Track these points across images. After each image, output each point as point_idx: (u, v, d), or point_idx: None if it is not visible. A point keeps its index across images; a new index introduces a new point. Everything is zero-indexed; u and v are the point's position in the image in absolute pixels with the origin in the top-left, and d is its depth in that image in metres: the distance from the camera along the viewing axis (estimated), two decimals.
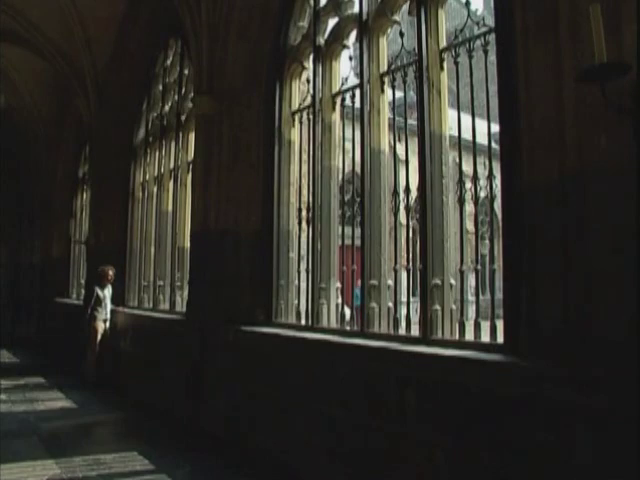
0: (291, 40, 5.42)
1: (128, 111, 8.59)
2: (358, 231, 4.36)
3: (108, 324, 8.14)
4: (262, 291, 5.09)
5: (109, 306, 8.17)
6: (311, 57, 5.13)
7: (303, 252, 4.97)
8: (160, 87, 8.06)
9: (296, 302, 4.99)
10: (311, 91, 5.04)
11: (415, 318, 3.81)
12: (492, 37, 3.45)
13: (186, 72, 7.35)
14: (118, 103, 8.93)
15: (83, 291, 10.45)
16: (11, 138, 13.71)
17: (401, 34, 4.23)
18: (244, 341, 4.99)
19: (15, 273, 14.99)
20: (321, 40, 5.02)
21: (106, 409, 6.72)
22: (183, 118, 7.22)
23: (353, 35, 4.79)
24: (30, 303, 13.66)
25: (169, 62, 7.96)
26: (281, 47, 5.45)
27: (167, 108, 7.79)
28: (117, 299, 8.25)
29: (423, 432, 3.22)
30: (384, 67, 4.40)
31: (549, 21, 2.82)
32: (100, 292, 8.09)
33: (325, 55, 4.96)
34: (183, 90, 7.35)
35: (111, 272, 8.20)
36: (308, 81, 5.14)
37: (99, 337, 8.04)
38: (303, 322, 4.77)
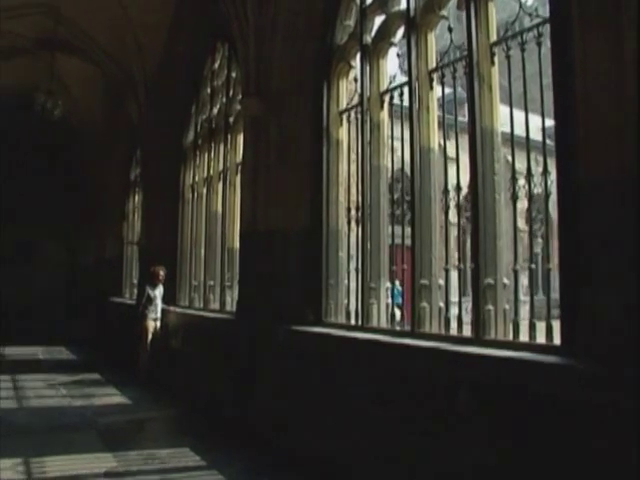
0: (337, 39, 5.41)
1: (177, 114, 8.78)
2: (408, 230, 4.32)
3: (159, 323, 8.35)
4: (312, 291, 5.10)
5: (160, 305, 8.37)
6: (358, 56, 5.11)
7: (352, 251, 4.96)
8: (208, 90, 8.20)
9: (346, 302, 4.98)
10: (359, 90, 5.01)
11: (467, 318, 3.75)
12: (546, 28, 3.34)
13: (233, 75, 7.45)
14: (168, 107, 9.14)
15: (135, 291, 10.77)
16: (67, 142, 14.24)
17: (450, 29, 4.15)
18: (294, 341, 5.01)
19: (72, 273, 15.54)
20: (368, 38, 4.99)
21: (158, 406, 6.90)
22: (231, 120, 7.33)
23: (400, 32, 4.73)
24: (86, 302, 14.14)
25: (217, 65, 8.09)
26: (327, 47, 5.44)
27: (215, 111, 7.92)
28: (168, 299, 8.44)
29: (474, 434, 3.16)
30: (432, 64, 4.33)
31: (610, 8, 2.71)
32: (151, 292, 8.30)
33: (372, 53, 4.92)
34: (231, 92, 7.45)
35: (162, 272, 8.39)
36: (355, 80, 5.12)
37: (150, 336, 8.25)
38: (353, 322, 4.76)
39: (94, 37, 9.79)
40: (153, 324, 8.30)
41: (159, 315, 8.35)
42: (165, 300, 8.42)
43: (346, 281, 5.04)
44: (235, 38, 6.29)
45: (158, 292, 8.38)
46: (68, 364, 10.38)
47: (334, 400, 4.36)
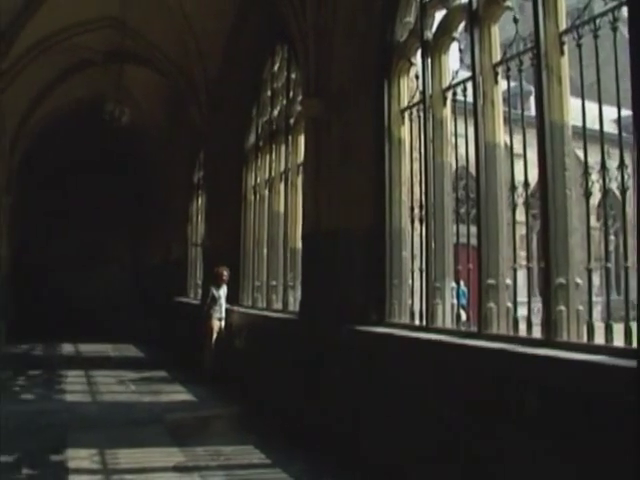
0: (397, 37, 5.34)
1: (239, 117, 8.93)
2: (473, 229, 4.21)
3: (223, 323, 8.52)
4: (375, 291, 5.05)
5: (224, 305, 8.54)
6: (419, 52, 5.02)
7: (416, 251, 4.88)
8: (269, 92, 8.31)
9: (410, 302, 4.90)
10: (420, 87, 4.93)
11: (536, 319, 3.61)
12: (622, 11, 3.16)
13: (293, 76, 7.52)
14: (229, 110, 9.34)
15: (200, 291, 11.04)
16: (133, 148, 14.81)
17: (515, 20, 4.02)
18: (357, 341, 4.99)
19: (138, 273, 16.13)
20: (429, 34, 4.90)
21: (223, 404, 7.05)
22: (292, 121, 7.39)
23: (462, 26, 4.62)
24: (152, 302, 14.64)
25: (276, 67, 8.18)
26: (387, 44, 5.38)
27: (276, 112, 8.01)
28: (232, 299, 8.60)
29: (543, 440, 3.04)
30: (497, 57, 4.20)
31: None
32: (215, 292, 8.49)
33: (433, 49, 4.83)
34: (291, 94, 7.52)
35: (226, 273, 8.56)
36: (417, 77, 5.04)
37: (215, 335, 8.44)
38: (417, 322, 4.68)
39: (158, 46, 10.15)
40: (218, 324, 8.48)
41: (223, 315, 8.52)
42: (229, 300, 8.58)
43: (410, 281, 4.96)
44: (294, 39, 6.34)
45: (222, 292, 8.56)
46: (136, 361, 10.78)
47: (398, 400, 4.31)
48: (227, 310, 8.54)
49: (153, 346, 12.76)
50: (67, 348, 12.59)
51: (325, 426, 5.31)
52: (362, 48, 5.56)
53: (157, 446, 5.14)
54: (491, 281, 4.03)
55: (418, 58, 5.06)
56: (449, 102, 4.72)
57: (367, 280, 5.16)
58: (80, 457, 4.74)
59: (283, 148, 7.63)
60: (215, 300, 8.46)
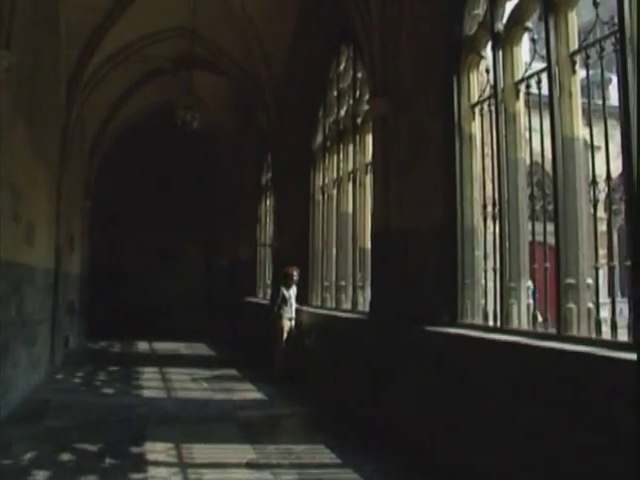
0: (466, 30, 5.20)
1: (305, 119, 9.00)
2: (549, 226, 4.03)
3: (293, 323, 8.60)
4: (446, 291, 4.94)
5: (294, 305, 8.61)
6: (489, 45, 4.87)
7: (489, 250, 4.74)
8: (335, 93, 8.32)
9: (483, 302, 4.76)
10: (491, 81, 4.78)
11: (621, 321, 3.41)
12: None
13: (359, 75, 7.49)
14: (295, 112, 9.42)
15: (269, 291, 11.20)
16: (203, 152, 15.23)
17: (595, 4, 3.81)
18: (428, 342, 4.90)
19: (209, 274, 16.56)
20: (499, 26, 4.73)
21: (293, 402, 7.10)
22: (359, 121, 7.37)
23: (536, 15, 4.44)
24: (222, 302, 15.00)
25: (342, 67, 8.18)
26: (456, 39, 5.25)
27: (342, 112, 8.00)
28: (301, 299, 8.67)
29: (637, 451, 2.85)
30: (574, 45, 4.01)
31: None
32: (286, 292, 8.58)
33: (505, 41, 4.66)
34: (357, 93, 7.50)
35: (295, 273, 8.63)
36: (487, 71, 4.90)
37: (285, 335, 8.52)
38: (491, 323, 4.54)
39: (225, 51, 10.40)
40: (288, 323, 8.56)
41: (294, 315, 8.60)
42: (298, 300, 8.66)
43: (483, 281, 4.83)
44: (359, 38, 6.31)
45: (292, 292, 8.64)
46: (208, 360, 11.05)
47: (471, 403, 4.20)
48: (297, 310, 8.62)
49: (224, 345, 13.05)
50: (142, 346, 13.08)
51: (396, 427, 5.26)
52: (429, 44, 5.45)
53: (230, 443, 5.25)
54: (570, 281, 3.85)
55: (488, 51, 4.92)
56: (522, 95, 4.55)
57: (438, 280, 5.06)
58: (158, 450, 4.92)
59: (351, 148, 7.62)
60: (285, 300, 8.55)
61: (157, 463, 4.59)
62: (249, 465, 4.59)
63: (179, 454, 4.84)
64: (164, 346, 12.85)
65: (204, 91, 12.23)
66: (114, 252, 15.87)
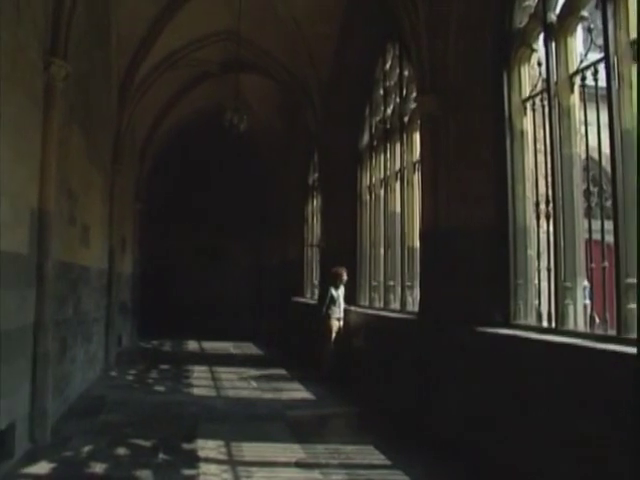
0: (516, 23, 5.07)
1: (351, 118, 8.97)
2: (607, 224, 3.88)
3: (342, 323, 8.59)
4: (498, 291, 4.82)
5: (342, 305, 8.60)
6: (541, 37, 4.72)
7: (542, 249, 4.60)
8: (381, 91, 8.26)
9: (536, 302, 4.63)
10: (543, 74, 4.63)
11: None
12: None
13: (406, 73, 7.41)
14: (342, 111, 9.40)
15: (316, 291, 11.23)
16: (250, 152, 15.41)
17: None
18: (479, 343, 4.79)
19: (257, 274, 16.73)
20: (552, 16, 4.58)
21: (341, 402, 7.09)
22: (406, 119, 7.29)
23: (592, 3, 4.26)
24: (270, 301, 15.13)
25: (388, 66, 8.11)
26: (505, 32, 5.13)
27: (389, 111, 7.94)
28: (348, 298, 8.65)
29: None
30: (635, 32, 3.83)
31: None
32: (334, 292, 8.58)
33: (558, 32, 4.51)
34: (404, 91, 7.42)
35: (344, 273, 8.62)
36: (539, 64, 4.74)
37: (333, 335, 8.53)
38: (545, 324, 4.40)
39: (271, 53, 10.48)
40: (337, 324, 8.56)
41: (342, 315, 8.59)
42: (346, 300, 8.65)
43: (536, 280, 4.69)
44: (406, 36, 6.24)
45: (340, 292, 8.64)
46: (256, 359, 11.16)
47: (525, 405, 4.09)
48: (345, 310, 8.60)
49: (272, 344, 13.15)
50: (192, 345, 13.34)
51: (445, 428, 5.17)
52: (478, 39, 5.34)
53: (279, 441, 5.28)
54: (631, 280, 3.68)
55: (540, 43, 4.77)
56: (577, 88, 4.39)
57: (489, 280, 4.94)
58: (208, 447, 5.00)
59: (398, 146, 7.55)
60: (334, 300, 8.55)
61: (208, 460, 4.67)
62: (298, 464, 4.62)
63: (229, 452, 4.91)
64: (213, 345, 13.06)
65: (251, 93, 12.37)
66: (164, 252, 16.23)
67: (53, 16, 5.21)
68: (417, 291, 6.55)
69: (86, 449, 4.89)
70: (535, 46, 4.90)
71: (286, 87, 11.19)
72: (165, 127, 13.71)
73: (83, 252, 7.32)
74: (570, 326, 4.19)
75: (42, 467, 4.43)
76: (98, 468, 4.42)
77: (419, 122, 6.34)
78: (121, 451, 4.88)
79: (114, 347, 10.03)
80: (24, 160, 4.67)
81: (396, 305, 7.32)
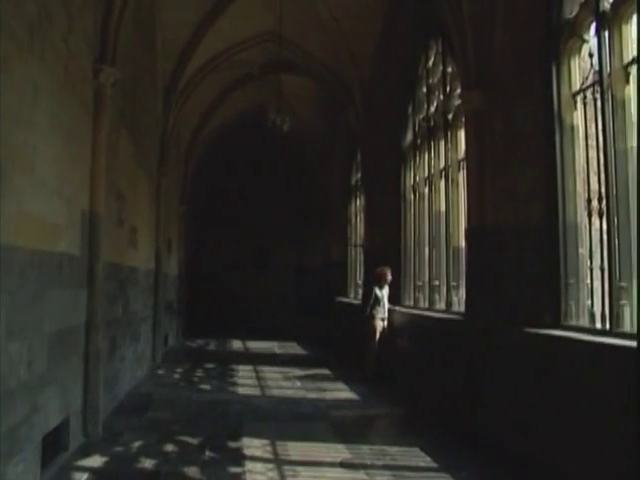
0: (566, 14, 4.89)
1: (394, 116, 8.89)
2: None
3: (386, 323, 8.53)
4: (548, 291, 4.68)
5: (387, 305, 8.55)
6: (592, 27, 4.56)
7: (595, 247, 4.44)
8: (424, 89, 8.15)
9: (588, 303, 4.47)
10: (595, 66, 4.47)
11: None
12: None
13: (449, 70, 7.29)
14: (384, 110, 9.35)
15: (360, 291, 11.19)
16: (293, 154, 15.49)
17: None
18: (528, 344, 4.67)
19: (300, 274, 16.80)
20: (605, 5, 4.39)
21: (385, 403, 7.04)
22: (450, 116, 7.17)
23: None
24: (313, 302, 15.16)
25: (431, 63, 7.99)
26: (554, 24, 4.97)
27: (433, 109, 7.82)
28: (393, 298, 8.59)
29: None
30: None
31: None
32: (379, 292, 8.53)
33: (612, 21, 4.31)
34: (448, 88, 7.30)
35: (388, 272, 8.57)
36: (590, 55, 4.58)
37: (378, 335, 8.48)
38: (598, 325, 4.24)
39: (311, 53, 10.50)
40: (381, 324, 8.51)
41: (386, 315, 8.54)
42: (390, 300, 8.59)
43: (588, 280, 4.53)
44: (450, 31, 6.14)
45: (385, 292, 8.59)
46: (300, 359, 11.18)
47: (575, 410, 3.96)
48: (389, 310, 8.55)
49: (316, 344, 13.16)
50: (236, 344, 13.47)
51: (492, 431, 5.06)
52: (525, 32, 5.21)
53: (323, 441, 5.28)
54: None
55: (592, 33, 4.60)
56: (633, 79, 4.20)
57: (538, 280, 4.80)
58: (254, 446, 5.04)
59: (442, 144, 7.43)
60: (378, 300, 8.51)
61: (253, 458, 4.71)
62: (343, 464, 4.60)
63: (274, 450, 4.94)
64: (257, 345, 13.17)
65: (292, 94, 12.42)
66: (208, 253, 16.50)
67: (102, 24, 5.36)
68: (463, 291, 6.45)
69: (136, 445, 5.02)
70: (586, 37, 4.73)
71: (327, 86, 11.21)
72: (208, 129, 13.93)
73: (131, 253, 7.50)
74: (626, 328, 4.02)
75: (95, 460, 4.60)
76: (148, 463, 4.54)
77: (464, 119, 6.23)
78: (169, 447, 4.98)
79: (161, 346, 10.24)
80: (76, 164, 4.83)
81: (441, 305, 7.21)
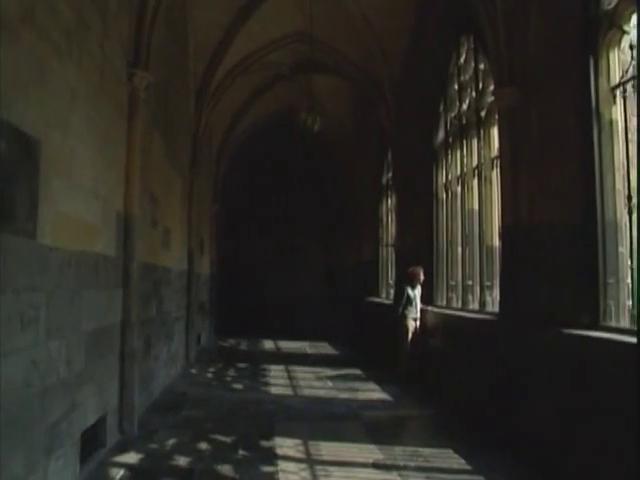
0: (604, 4, 4.73)
1: (426, 115, 8.79)
2: None
3: (418, 323, 8.47)
4: (585, 290, 4.54)
5: (419, 305, 8.49)
6: (634, 17, 4.41)
7: (635, 245, 4.30)
8: (455, 86, 8.04)
9: (629, 303, 4.34)
10: (636, 58, 4.33)
11: None
12: None
13: (481, 67, 7.18)
14: (415, 109, 9.27)
15: (391, 291, 11.12)
16: (323, 153, 15.50)
17: None
18: (565, 345, 4.55)
19: (331, 274, 16.78)
20: None
21: (418, 404, 7.00)
22: (483, 114, 7.05)
23: None
24: (345, 301, 15.14)
25: (462, 60, 7.88)
26: (591, 15, 4.81)
27: (465, 106, 7.71)
28: (425, 298, 8.51)
29: None
30: None
31: None
32: (411, 292, 8.48)
33: None
34: (480, 85, 7.19)
35: (421, 272, 8.50)
36: (631, 47, 4.42)
37: (410, 335, 8.42)
38: None
39: (342, 52, 10.50)
40: (413, 324, 8.45)
41: (418, 315, 8.48)
42: (422, 300, 8.52)
43: (629, 280, 4.39)
44: (482, 28, 6.04)
45: (417, 292, 8.53)
46: (331, 359, 11.19)
47: (614, 415, 3.82)
48: (421, 310, 8.48)
49: (347, 344, 13.15)
50: (268, 344, 13.55)
51: (526, 434, 4.96)
52: (561, 25, 5.07)
53: (356, 442, 5.27)
54: None
55: (633, 24, 4.45)
56: None
57: (575, 279, 4.68)
58: (286, 445, 5.07)
59: (475, 142, 7.32)
60: (411, 300, 8.45)
61: (286, 458, 4.75)
62: (376, 465, 4.60)
63: (306, 450, 4.96)
64: (288, 344, 13.22)
65: (323, 93, 12.45)
66: (240, 253, 16.62)
67: (136, 28, 5.46)
68: (497, 291, 6.34)
69: (170, 442, 5.11)
70: (626, 28, 4.57)
71: (358, 85, 11.19)
72: (240, 129, 14.07)
73: (164, 254, 7.61)
74: None
75: (131, 457, 4.70)
76: (182, 461, 4.61)
77: (497, 116, 6.12)
78: (203, 445, 5.05)
79: (194, 345, 10.37)
80: (112, 166, 4.92)
81: (475, 305, 7.11)
